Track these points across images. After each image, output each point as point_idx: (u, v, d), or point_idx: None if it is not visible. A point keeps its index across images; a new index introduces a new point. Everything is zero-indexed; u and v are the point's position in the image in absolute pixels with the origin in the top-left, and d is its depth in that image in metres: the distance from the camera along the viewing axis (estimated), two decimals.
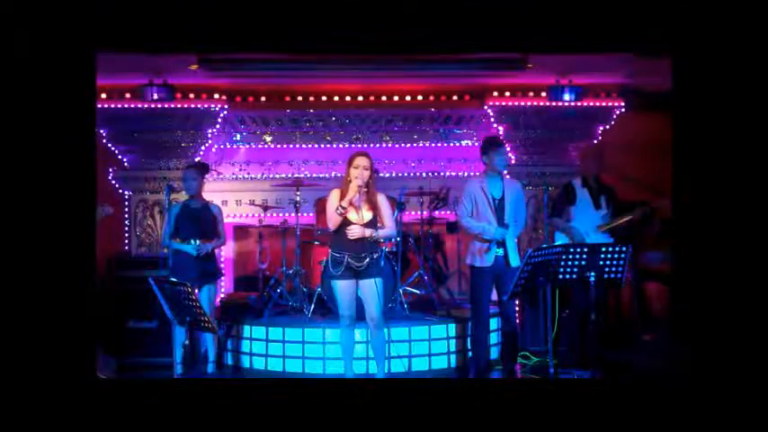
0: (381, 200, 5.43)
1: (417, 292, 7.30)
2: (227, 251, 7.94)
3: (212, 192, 7.52)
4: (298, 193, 7.18)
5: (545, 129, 7.82)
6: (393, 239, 6.69)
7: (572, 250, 5.13)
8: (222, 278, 7.00)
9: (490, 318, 6.07)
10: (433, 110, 8.13)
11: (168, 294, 4.93)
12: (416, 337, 6.47)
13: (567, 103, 7.38)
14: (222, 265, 6.78)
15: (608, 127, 7.85)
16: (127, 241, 7.71)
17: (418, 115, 8.16)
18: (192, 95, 7.60)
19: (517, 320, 6.62)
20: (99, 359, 5.66)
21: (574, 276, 5.15)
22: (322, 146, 8.35)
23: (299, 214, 7.17)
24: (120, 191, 7.73)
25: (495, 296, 6.00)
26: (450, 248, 8.09)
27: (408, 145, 8.41)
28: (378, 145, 8.28)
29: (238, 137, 8.31)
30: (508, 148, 7.07)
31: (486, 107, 7.80)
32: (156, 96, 7.09)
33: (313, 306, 6.77)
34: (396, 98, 8.06)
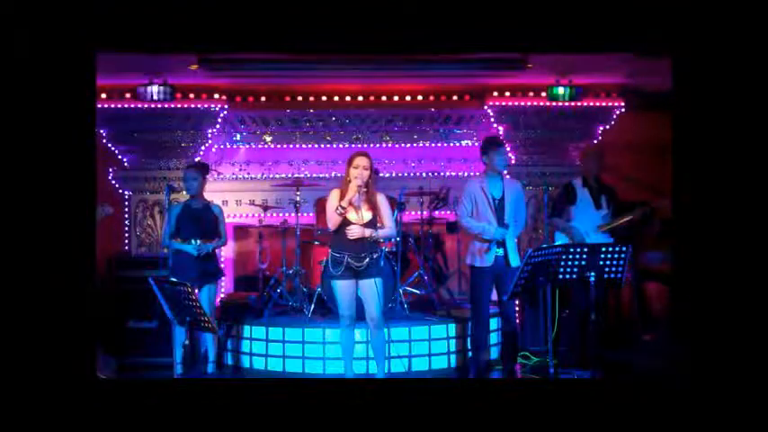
0: (381, 200, 5.43)
1: (417, 292, 7.30)
2: (227, 251, 7.94)
3: (212, 192, 7.51)
4: (298, 193, 7.18)
5: (545, 129, 7.81)
6: (393, 239, 6.69)
7: (572, 250, 5.13)
8: (223, 278, 7.00)
9: (490, 318, 6.07)
10: (433, 110, 8.12)
11: (168, 294, 4.93)
12: (416, 337, 6.47)
13: (564, 102, 7.38)
14: (222, 265, 6.78)
15: (608, 127, 7.85)
16: (127, 241, 7.71)
17: (418, 115, 8.16)
18: (192, 95, 7.60)
19: (517, 320, 6.62)
20: (99, 359, 5.66)
21: (574, 276, 5.14)
22: (322, 146, 8.35)
23: (299, 214, 7.17)
24: (120, 191, 7.73)
25: (495, 296, 6.00)
26: (450, 248, 8.09)
27: (408, 145, 8.41)
28: (378, 145, 8.28)
29: (238, 137, 8.31)
30: (508, 148, 7.06)
31: (486, 107, 7.80)
32: (154, 96, 7.10)
33: (313, 306, 6.77)
34: (396, 98, 8.06)
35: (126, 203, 7.73)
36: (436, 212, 7.78)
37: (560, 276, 5.12)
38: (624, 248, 5.14)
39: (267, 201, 7.73)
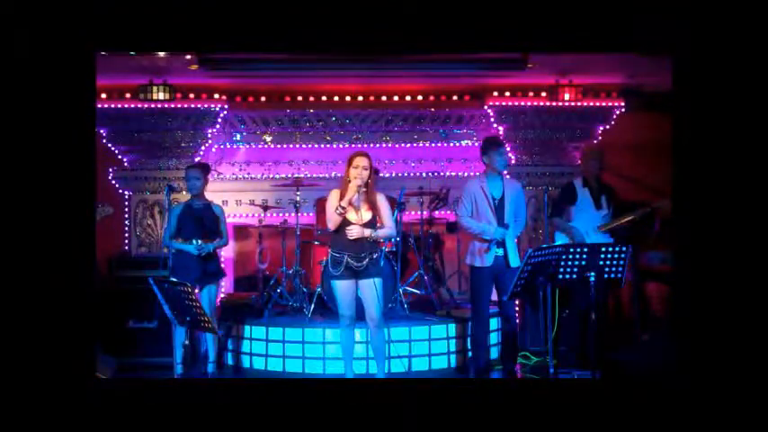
0: (381, 200, 5.43)
1: (417, 292, 7.30)
2: (227, 251, 7.93)
3: (212, 192, 7.49)
4: (298, 193, 7.18)
5: (545, 129, 7.81)
6: (393, 239, 6.69)
7: (572, 250, 5.12)
8: (224, 278, 7.00)
9: (490, 318, 6.07)
10: (433, 110, 8.12)
11: (168, 294, 4.92)
12: (416, 337, 6.47)
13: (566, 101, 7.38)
14: (223, 266, 6.78)
15: (608, 127, 7.85)
16: (127, 241, 7.71)
17: (418, 115, 8.16)
18: (192, 95, 7.60)
19: (517, 320, 6.62)
20: (99, 359, 5.67)
21: (574, 276, 5.13)
22: (322, 146, 8.35)
23: (299, 214, 7.17)
24: (120, 191, 7.73)
25: (495, 296, 6.00)
26: (449, 248, 8.09)
27: (408, 145, 8.41)
28: (378, 145, 8.28)
29: (238, 137, 8.31)
30: (508, 148, 7.06)
31: (486, 107, 7.80)
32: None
33: (313, 306, 6.77)
34: (396, 98, 8.06)
35: (126, 203, 7.73)
36: (436, 212, 7.78)
37: (560, 276, 5.11)
38: (624, 248, 5.13)
39: (267, 201, 7.72)
